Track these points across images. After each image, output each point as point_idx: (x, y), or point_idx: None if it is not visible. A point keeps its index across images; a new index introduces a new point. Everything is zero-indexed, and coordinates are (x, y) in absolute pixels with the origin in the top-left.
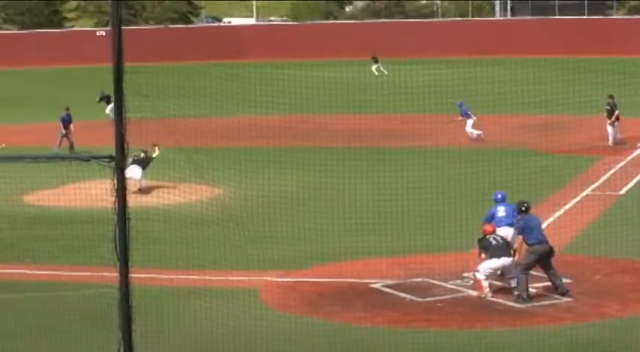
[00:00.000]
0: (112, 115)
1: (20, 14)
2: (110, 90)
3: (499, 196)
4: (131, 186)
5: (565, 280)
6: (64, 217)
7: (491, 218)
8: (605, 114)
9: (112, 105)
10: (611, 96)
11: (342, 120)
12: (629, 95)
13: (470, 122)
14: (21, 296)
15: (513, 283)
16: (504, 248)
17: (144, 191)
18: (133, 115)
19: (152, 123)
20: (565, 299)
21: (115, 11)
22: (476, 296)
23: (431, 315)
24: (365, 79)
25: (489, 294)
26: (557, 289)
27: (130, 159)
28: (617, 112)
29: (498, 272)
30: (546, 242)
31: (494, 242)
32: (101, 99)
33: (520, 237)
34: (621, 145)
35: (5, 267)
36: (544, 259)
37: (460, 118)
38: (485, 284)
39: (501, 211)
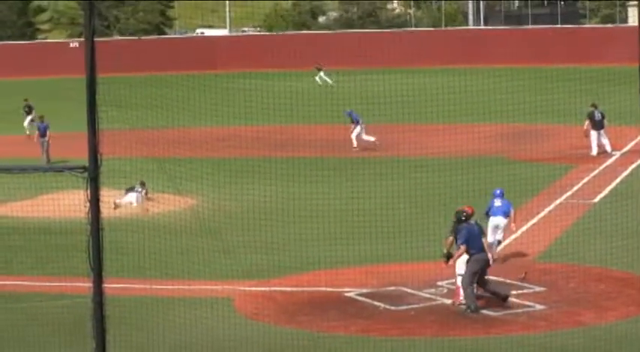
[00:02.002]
0: (29, 127)
1: None
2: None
3: (497, 192)
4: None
5: (539, 288)
6: (38, 228)
7: (489, 209)
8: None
9: (30, 117)
10: (593, 105)
11: (316, 131)
12: (604, 103)
13: (357, 129)
14: None
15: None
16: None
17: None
18: (106, 126)
19: (125, 134)
20: (539, 306)
21: (88, 22)
22: (449, 304)
23: (405, 324)
24: (338, 89)
25: (462, 307)
26: (497, 295)
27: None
28: (586, 122)
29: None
30: (484, 251)
31: (475, 232)
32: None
33: (463, 247)
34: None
35: None
36: (484, 268)
37: (352, 126)
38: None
39: (497, 202)
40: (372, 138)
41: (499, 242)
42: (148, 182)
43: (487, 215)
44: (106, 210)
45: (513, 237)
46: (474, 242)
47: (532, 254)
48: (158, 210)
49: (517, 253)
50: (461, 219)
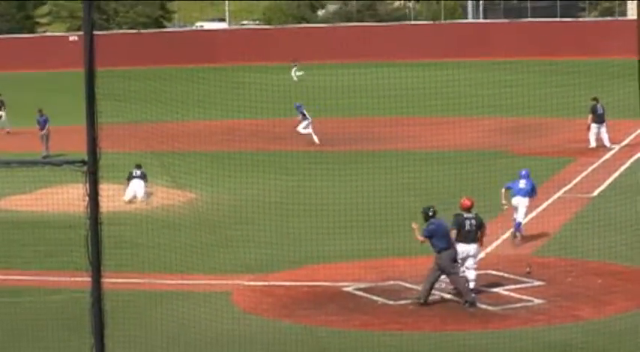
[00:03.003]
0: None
1: None
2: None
3: (523, 173)
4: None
5: (538, 282)
6: (37, 222)
7: (511, 186)
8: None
9: (2, 112)
10: (594, 99)
11: (315, 124)
12: (603, 97)
13: (304, 123)
14: None
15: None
16: (474, 234)
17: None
18: (105, 120)
19: (125, 127)
20: (538, 301)
21: (86, 16)
22: (448, 299)
23: (403, 318)
24: (336, 83)
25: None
26: (462, 297)
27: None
28: (590, 116)
29: (459, 265)
30: (454, 247)
31: (467, 225)
32: None
33: (421, 238)
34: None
35: None
36: (453, 263)
37: (299, 119)
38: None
39: (522, 183)
40: (314, 137)
41: (519, 224)
42: (148, 177)
43: (507, 189)
44: (105, 204)
45: (512, 230)
46: (442, 238)
47: (530, 248)
48: (157, 204)
49: (516, 247)
50: (428, 215)
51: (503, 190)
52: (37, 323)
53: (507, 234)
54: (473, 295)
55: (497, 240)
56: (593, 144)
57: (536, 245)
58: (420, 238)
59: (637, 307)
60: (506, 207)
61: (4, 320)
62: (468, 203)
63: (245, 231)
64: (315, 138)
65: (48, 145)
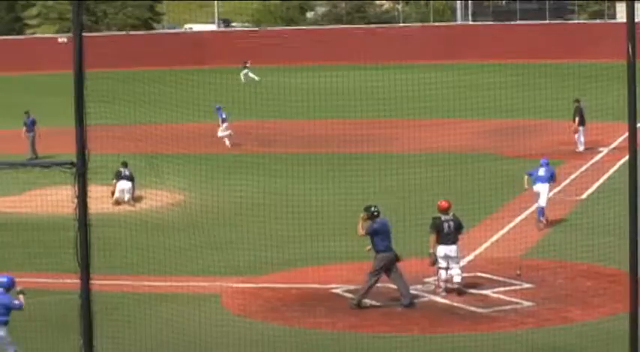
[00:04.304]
0: None
1: None
2: None
3: (543, 161)
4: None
5: (527, 285)
6: (26, 224)
7: (532, 173)
8: (573, 119)
9: None
10: (577, 100)
11: (303, 126)
12: (592, 99)
13: (223, 127)
14: None
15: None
16: (453, 235)
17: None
18: (94, 122)
19: (113, 129)
20: (527, 303)
21: (75, 17)
22: (437, 301)
23: (392, 320)
24: (324, 85)
25: (442, 293)
26: (402, 298)
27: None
28: (577, 118)
29: (444, 264)
30: (392, 249)
31: (446, 228)
32: None
33: (363, 232)
34: (590, 149)
35: None
36: (391, 265)
37: (220, 122)
38: (442, 284)
39: (542, 171)
40: (227, 141)
41: (542, 209)
42: (135, 177)
43: (529, 175)
44: (94, 206)
45: (501, 233)
46: (382, 240)
47: (520, 250)
48: (146, 205)
49: (505, 250)
50: (372, 214)
51: (525, 176)
52: (27, 324)
53: (496, 237)
54: (412, 297)
55: (486, 243)
56: (581, 148)
57: (526, 247)
58: (362, 231)
59: (626, 309)
60: (527, 189)
61: None
62: (445, 205)
63: (234, 233)
64: (228, 142)
65: (35, 147)
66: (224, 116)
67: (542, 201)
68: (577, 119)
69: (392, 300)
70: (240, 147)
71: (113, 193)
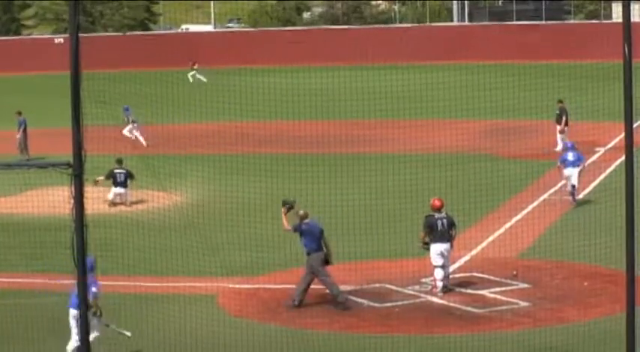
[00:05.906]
0: None
1: None
2: None
3: (569, 145)
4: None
5: (523, 285)
6: (23, 224)
7: (563, 160)
8: (555, 120)
9: None
10: (561, 101)
11: (300, 127)
12: (588, 100)
13: (128, 127)
14: None
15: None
16: (447, 233)
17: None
18: (90, 122)
19: (110, 130)
20: (524, 303)
21: (72, 18)
22: (433, 301)
23: (389, 321)
24: (322, 85)
25: (439, 293)
26: (336, 298)
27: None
28: (564, 118)
29: (440, 262)
30: (322, 250)
31: (439, 226)
32: None
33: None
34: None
35: None
36: (320, 267)
37: (125, 122)
38: (439, 284)
39: (570, 156)
40: (142, 139)
41: (573, 186)
42: (131, 176)
43: (562, 162)
44: (90, 207)
45: (497, 233)
46: (312, 241)
47: (516, 250)
48: (142, 206)
49: (501, 250)
50: (291, 207)
51: (559, 164)
52: (23, 326)
53: (492, 238)
54: (345, 297)
55: (483, 243)
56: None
57: (523, 247)
58: (287, 226)
59: (623, 309)
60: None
61: None
62: (437, 203)
63: (230, 234)
64: (143, 141)
65: (26, 147)
66: (130, 117)
67: (574, 180)
68: (564, 119)
69: (389, 301)
70: (237, 147)
71: (97, 182)
